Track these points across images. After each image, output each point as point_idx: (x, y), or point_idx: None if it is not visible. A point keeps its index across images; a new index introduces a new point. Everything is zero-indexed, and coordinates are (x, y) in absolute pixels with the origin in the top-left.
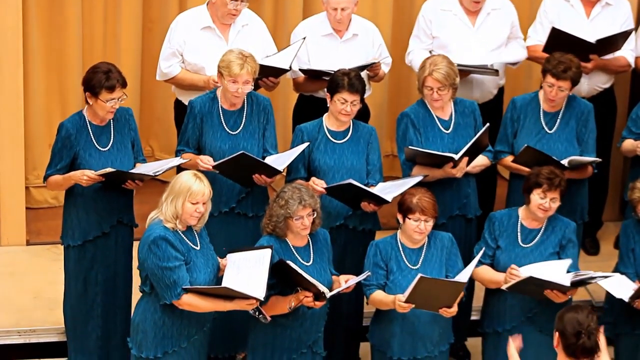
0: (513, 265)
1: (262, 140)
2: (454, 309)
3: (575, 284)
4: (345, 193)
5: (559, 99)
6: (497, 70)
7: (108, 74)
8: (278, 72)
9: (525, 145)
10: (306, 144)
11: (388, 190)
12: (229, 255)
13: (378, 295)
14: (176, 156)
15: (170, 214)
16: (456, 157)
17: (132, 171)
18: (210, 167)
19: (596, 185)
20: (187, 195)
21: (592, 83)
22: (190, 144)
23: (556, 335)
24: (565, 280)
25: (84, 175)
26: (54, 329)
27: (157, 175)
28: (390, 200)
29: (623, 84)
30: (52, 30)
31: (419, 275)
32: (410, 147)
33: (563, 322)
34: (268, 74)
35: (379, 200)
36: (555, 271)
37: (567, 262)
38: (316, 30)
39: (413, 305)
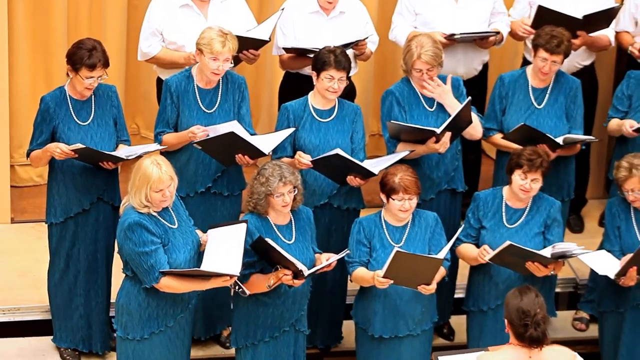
0: (485, 246)
1: (237, 118)
2: (433, 286)
3: (556, 257)
4: (332, 166)
5: (552, 72)
6: (498, 32)
7: (91, 52)
8: (258, 43)
9: (522, 123)
10: (292, 129)
11: (376, 163)
12: (209, 231)
13: (360, 272)
14: (155, 139)
15: (138, 203)
16: (438, 130)
17: (105, 152)
18: (203, 134)
19: (579, 164)
20: (148, 185)
21: (572, 60)
22: (170, 124)
23: (506, 321)
24: (546, 252)
25: (57, 148)
26: (39, 307)
27: (129, 158)
28: (377, 173)
29: (606, 61)
30: (37, 8)
31: (395, 249)
32: (392, 121)
33: (509, 310)
34: (248, 46)
35: (365, 174)
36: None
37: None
38: (303, 7)
39: (392, 281)
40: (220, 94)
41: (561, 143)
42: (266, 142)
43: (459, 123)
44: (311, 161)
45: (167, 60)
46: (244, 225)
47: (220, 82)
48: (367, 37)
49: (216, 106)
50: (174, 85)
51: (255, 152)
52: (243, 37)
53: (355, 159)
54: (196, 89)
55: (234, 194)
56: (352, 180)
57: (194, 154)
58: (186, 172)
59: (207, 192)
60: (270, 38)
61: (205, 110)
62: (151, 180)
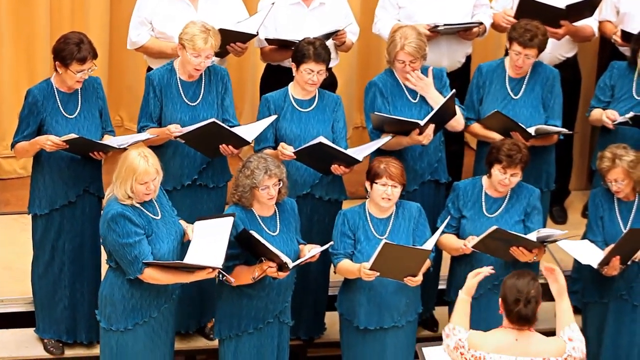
0: (471, 237)
1: (221, 110)
2: (419, 278)
3: (541, 241)
4: (315, 156)
5: (525, 65)
6: (481, 23)
7: (80, 46)
8: (246, 37)
9: (495, 110)
10: (274, 117)
11: (360, 150)
12: (196, 223)
13: (345, 264)
14: (139, 132)
15: (122, 195)
16: (422, 122)
17: (98, 141)
18: (179, 133)
19: (562, 155)
20: (133, 177)
21: (555, 52)
22: (153, 118)
23: (500, 301)
24: (531, 236)
25: (48, 140)
26: (22, 299)
27: (121, 147)
28: (361, 160)
29: (588, 53)
30: (20, 1)
31: (384, 240)
32: (376, 113)
33: (505, 288)
34: (236, 39)
35: (349, 161)
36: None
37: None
38: None
39: (378, 274)
40: (203, 86)
41: (533, 134)
42: (249, 130)
43: (443, 115)
44: (294, 152)
45: (155, 50)
46: (231, 219)
47: (203, 74)
48: (345, 27)
49: (199, 99)
50: (157, 79)
51: (238, 141)
52: (231, 30)
53: (338, 147)
54: (179, 82)
55: (219, 185)
56: (337, 168)
57: (179, 147)
58: (172, 166)
59: (193, 184)
60: (257, 32)
61: (188, 103)
62: (137, 172)
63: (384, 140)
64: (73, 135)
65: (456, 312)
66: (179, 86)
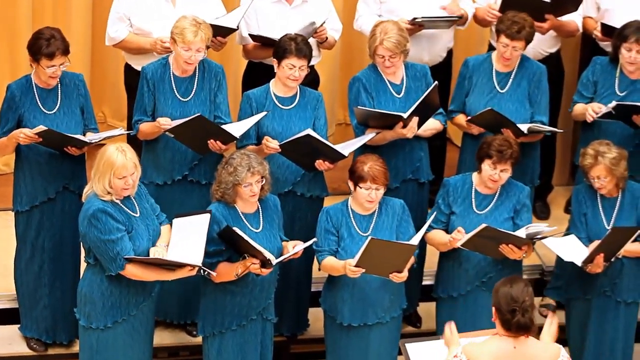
0: (459, 228)
1: (213, 107)
2: (405, 274)
3: (531, 237)
4: (301, 150)
5: (514, 57)
6: (460, 17)
7: (49, 41)
8: (226, 31)
9: (489, 108)
10: (264, 113)
11: (344, 146)
12: (174, 221)
13: (329, 261)
14: (133, 127)
15: (101, 191)
16: (405, 115)
17: (68, 134)
18: (169, 126)
19: (545, 150)
20: (112, 172)
21: (538, 47)
22: (148, 112)
23: (493, 309)
24: (520, 233)
25: (21, 133)
26: (6, 296)
27: (92, 142)
28: (347, 155)
29: (571, 48)
30: None
31: (370, 237)
32: (359, 107)
33: (498, 297)
34: (216, 33)
35: (334, 157)
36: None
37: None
38: None
39: (363, 270)
40: (196, 82)
41: (525, 132)
42: (236, 127)
43: (426, 108)
44: (280, 145)
45: (133, 45)
46: (207, 216)
47: (197, 70)
48: (324, 23)
49: (192, 94)
50: (150, 73)
51: (226, 137)
52: (211, 24)
53: (325, 140)
54: (172, 77)
55: (212, 182)
56: (321, 164)
57: (170, 141)
58: (163, 160)
59: (184, 180)
60: (238, 26)
61: (180, 98)
62: (115, 166)
63: (368, 136)
64: (43, 128)
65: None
66: (172, 81)
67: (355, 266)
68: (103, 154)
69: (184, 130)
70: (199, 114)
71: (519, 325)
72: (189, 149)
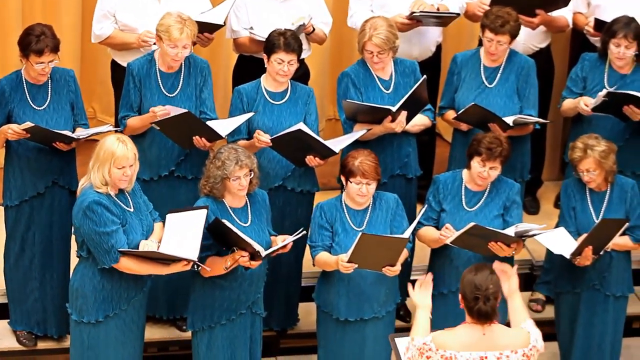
0: (448, 225)
1: (199, 103)
2: (397, 267)
3: (520, 236)
4: (292, 145)
5: (499, 52)
6: (458, 14)
7: (39, 38)
8: (213, 27)
9: (473, 103)
10: (251, 114)
11: (335, 143)
12: (168, 216)
13: (322, 256)
14: (120, 124)
15: (99, 181)
16: (393, 109)
17: (55, 130)
18: (165, 114)
19: (534, 145)
20: (111, 161)
21: (528, 42)
22: (134, 108)
23: (460, 296)
24: (509, 231)
25: (9, 129)
26: None
27: (80, 138)
28: (337, 152)
29: (561, 43)
30: None
31: (361, 232)
32: (348, 100)
33: (463, 284)
34: (203, 30)
35: (325, 153)
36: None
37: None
38: None
39: (356, 266)
40: (182, 78)
41: (511, 124)
42: (224, 125)
43: (415, 102)
44: (271, 139)
45: (118, 41)
46: (204, 211)
47: (183, 66)
48: (310, 19)
49: (178, 90)
50: (136, 69)
51: (212, 135)
52: (198, 21)
53: (317, 136)
54: (158, 73)
55: (198, 177)
56: (312, 160)
57: (156, 137)
58: (149, 156)
59: (170, 175)
60: (224, 22)
61: (166, 94)
62: (115, 155)
63: (358, 133)
64: (30, 124)
65: (416, 327)
66: (158, 77)
67: (348, 262)
68: (103, 144)
69: (171, 125)
70: (187, 111)
71: (480, 312)
72: (175, 144)
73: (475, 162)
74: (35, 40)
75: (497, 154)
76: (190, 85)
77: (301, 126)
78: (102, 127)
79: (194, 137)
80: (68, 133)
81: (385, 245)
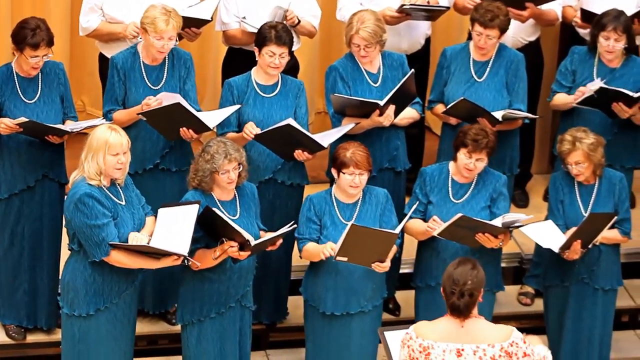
0: (435, 217)
1: (182, 94)
2: (387, 264)
3: (507, 226)
4: (280, 139)
5: (488, 46)
6: (448, 7)
7: (35, 31)
8: (200, 23)
9: (462, 97)
10: (238, 106)
11: (323, 136)
12: (160, 210)
13: (310, 247)
14: (105, 118)
15: (94, 170)
16: (381, 102)
17: (49, 125)
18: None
19: (523, 139)
20: (106, 148)
21: (517, 35)
22: (119, 101)
23: (441, 289)
24: (497, 222)
25: (2, 123)
26: None
27: (74, 131)
28: (326, 146)
29: (550, 37)
30: None
31: (351, 223)
32: (336, 94)
33: (444, 276)
34: (190, 24)
35: (314, 147)
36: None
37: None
38: None
39: (345, 259)
40: (166, 70)
41: (500, 119)
42: (212, 117)
43: (403, 96)
44: (259, 134)
45: (104, 32)
46: (196, 206)
47: (167, 58)
48: (289, 6)
49: (162, 82)
50: (120, 62)
51: (199, 126)
52: (185, 16)
53: (305, 131)
54: (142, 66)
55: (182, 169)
56: (300, 154)
57: (141, 131)
58: (134, 149)
59: (155, 168)
60: (212, 18)
61: (151, 86)
62: (109, 142)
63: (347, 127)
64: (24, 119)
65: None
66: (142, 70)
67: (337, 255)
68: (94, 134)
69: (159, 116)
70: (177, 102)
71: (453, 306)
72: (161, 137)
73: (462, 154)
74: (31, 34)
75: (483, 145)
76: (174, 77)
77: (290, 121)
78: (95, 120)
79: (181, 129)
80: (61, 126)
81: (374, 238)
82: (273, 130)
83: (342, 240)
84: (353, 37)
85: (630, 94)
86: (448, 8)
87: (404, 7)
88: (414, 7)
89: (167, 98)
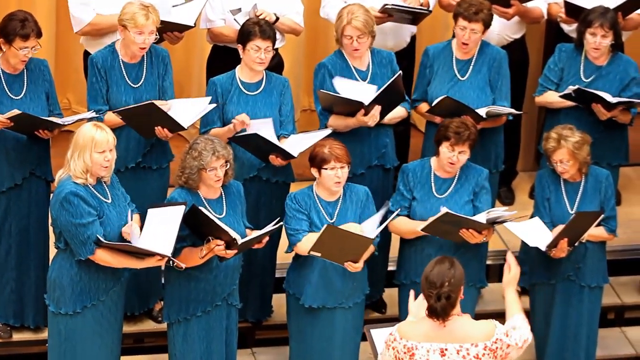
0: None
1: (161, 92)
2: (360, 264)
3: (491, 222)
4: (253, 145)
5: (472, 42)
6: (430, 11)
7: (24, 22)
8: (182, 28)
9: (445, 95)
10: (213, 105)
11: (300, 141)
12: (149, 210)
13: (309, 236)
14: (99, 118)
15: (80, 169)
16: (366, 102)
17: (42, 117)
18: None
19: (509, 136)
20: (92, 146)
21: (502, 33)
22: (103, 100)
23: (421, 289)
24: (481, 218)
25: None
26: None
27: (66, 124)
28: (296, 156)
29: (536, 34)
30: None
31: (325, 224)
32: (322, 90)
33: (422, 276)
34: (173, 29)
35: (285, 155)
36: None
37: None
38: None
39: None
40: (145, 67)
41: (484, 116)
42: (185, 116)
43: (390, 97)
44: (236, 137)
45: (104, 25)
46: (182, 207)
47: (145, 56)
48: (293, 10)
49: (142, 80)
50: (100, 61)
51: (174, 126)
52: (168, 21)
53: (274, 141)
54: (122, 64)
55: (162, 166)
56: (274, 159)
57: (124, 129)
58: (117, 148)
59: (137, 167)
60: (195, 24)
61: (131, 85)
62: (96, 139)
63: (325, 132)
64: (16, 112)
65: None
66: (122, 68)
67: (311, 249)
68: (79, 133)
69: (133, 115)
70: (151, 101)
71: (430, 309)
72: (138, 134)
73: (444, 148)
74: (21, 25)
75: (465, 137)
76: (153, 75)
77: (258, 131)
78: (87, 114)
79: (155, 128)
80: (54, 119)
81: (349, 240)
82: (243, 136)
83: (317, 239)
84: (345, 28)
85: (608, 98)
86: (430, 11)
87: (386, 6)
88: (396, 7)
89: (257, 125)
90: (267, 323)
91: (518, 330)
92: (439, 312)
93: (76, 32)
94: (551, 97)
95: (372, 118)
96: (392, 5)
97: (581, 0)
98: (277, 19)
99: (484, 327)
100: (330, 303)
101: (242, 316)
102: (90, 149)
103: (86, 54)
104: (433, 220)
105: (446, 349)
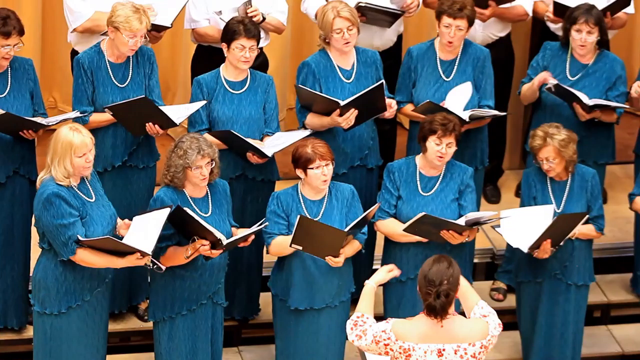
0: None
1: (148, 91)
2: (340, 259)
3: (471, 224)
4: (229, 142)
5: (457, 39)
6: (403, 12)
7: (5, 20)
8: (160, 28)
9: (427, 100)
10: (203, 102)
11: (279, 140)
12: (134, 218)
13: (278, 240)
14: (82, 120)
15: (62, 175)
16: (341, 103)
17: (25, 117)
18: None
19: (495, 134)
20: (71, 151)
21: (487, 31)
22: (89, 101)
23: (417, 287)
24: (460, 220)
25: None
26: None
27: (50, 124)
28: (270, 156)
29: (521, 32)
30: None
31: (299, 215)
32: (300, 85)
33: (419, 275)
34: (151, 29)
35: (260, 153)
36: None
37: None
38: None
39: (300, 248)
40: (131, 67)
41: (467, 120)
42: (177, 112)
43: (369, 104)
44: (214, 133)
45: (104, 22)
46: (167, 210)
47: (131, 55)
48: (276, 8)
49: (128, 80)
50: (87, 62)
51: (166, 122)
52: None
53: (248, 139)
54: (108, 64)
55: (149, 165)
56: (251, 157)
57: (110, 128)
58: (103, 147)
59: (123, 165)
60: (172, 24)
61: (118, 85)
62: (74, 145)
63: (304, 133)
64: (1, 111)
65: (364, 300)
66: (108, 68)
67: (292, 243)
68: (57, 137)
69: (125, 110)
70: (143, 96)
71: (429, 307)
72: (129, 134)
73: (432, 142)
74: (2, 23)
75: (451, 128)
76: (139, 74)
77: (232, 130)
78: (70, 114)
79: (147, 124)
80: (38, 119)
81: (323, 233)
82: (219, 132)
83: (294, 231)
84: (334, 21)
85: (585, 100)
86: (403, 12)
87: (360, 4)
88: (369, 6)
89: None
90: (253, 322)
91: (490, 316)
92: (437, 310)
93: (74, 28)
94: (526, 87)
95: (347, 121)
96: (366, 3)
97: (570, 1)
98: (264, 19)
99: (479, 326)
100: (317, 304)
101: (229, 314)
102: (70, 155)
103: (73, 53)
104: (413, 222)
105: (444, 349)
